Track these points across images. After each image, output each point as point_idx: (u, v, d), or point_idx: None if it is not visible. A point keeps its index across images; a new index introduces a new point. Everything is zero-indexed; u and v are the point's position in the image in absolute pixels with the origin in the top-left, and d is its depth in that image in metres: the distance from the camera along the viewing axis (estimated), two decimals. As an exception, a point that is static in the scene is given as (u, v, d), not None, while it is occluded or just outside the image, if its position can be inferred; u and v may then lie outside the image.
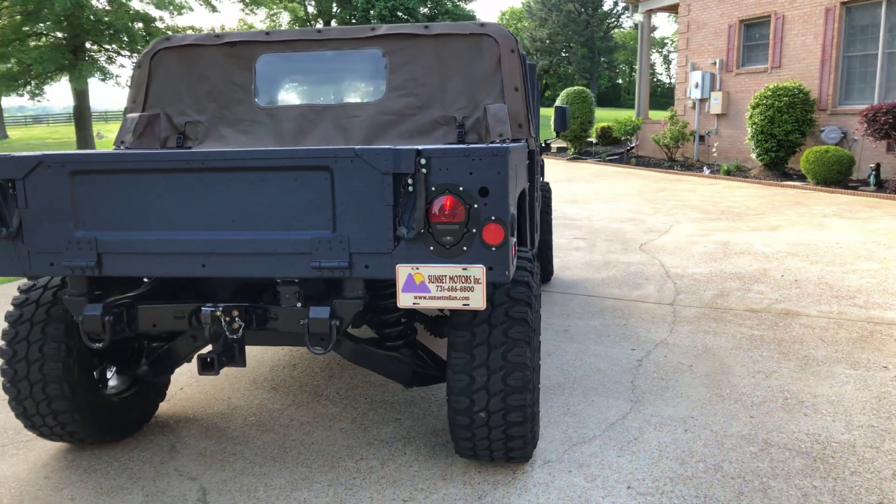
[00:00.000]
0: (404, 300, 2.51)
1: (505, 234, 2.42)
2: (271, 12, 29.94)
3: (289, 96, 3.88)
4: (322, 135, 3.74)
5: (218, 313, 2.69)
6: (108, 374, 3.50)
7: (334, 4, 53.22)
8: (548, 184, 6.40)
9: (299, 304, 2.66)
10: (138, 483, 3.11)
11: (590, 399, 3.90)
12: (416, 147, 2.41)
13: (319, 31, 3.80)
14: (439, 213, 2.42)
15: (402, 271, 2.48)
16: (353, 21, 50.03)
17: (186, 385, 4.27)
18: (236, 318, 2.74)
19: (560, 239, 8.73)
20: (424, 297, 2.50)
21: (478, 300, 2.48)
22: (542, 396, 3.94)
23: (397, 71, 3.73)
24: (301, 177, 2.47)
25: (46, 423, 3.18)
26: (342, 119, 3.74)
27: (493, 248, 2.44)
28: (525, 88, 3.71)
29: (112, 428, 3.42)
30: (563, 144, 21.86)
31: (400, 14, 49.47)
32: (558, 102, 21.06)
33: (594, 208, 11.25)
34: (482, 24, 3.71)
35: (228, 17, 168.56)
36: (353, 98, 3.81)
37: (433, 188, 2.42)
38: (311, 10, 55.68)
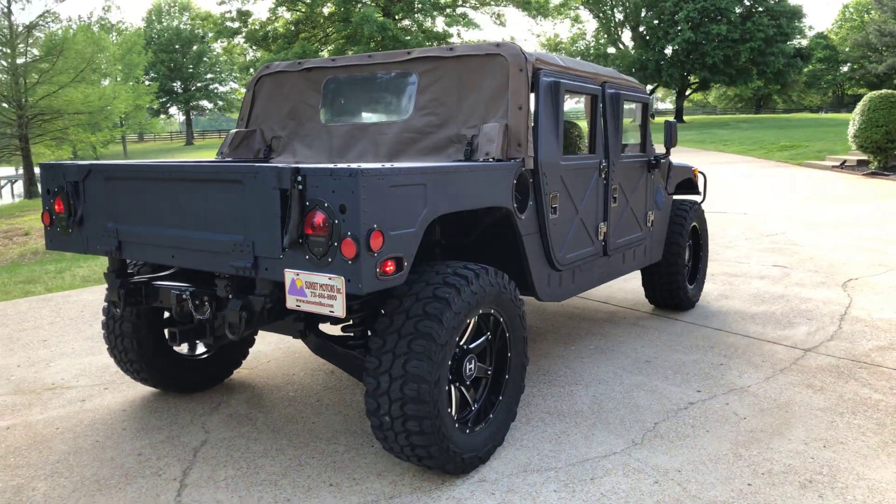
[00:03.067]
0: (289, 302, 2.82)
1: (358, 249, 2.59)
2: (557, 22, 30.55)
3: (343, 115, 4.35)
4: (360, 150, 4.15)
5: (184, 297, 3.29)
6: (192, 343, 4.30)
7: (643, 10, 52.27)
8: (690, 204, 5.91)
9: (230, 296, 3.12)
10: (173, 426, 3.88)
11: (591, 433, 3.70)
12: (296, 166, 2.71)
13: (370, 56, 4.21)
14: (312, 227, 2.68)
15: (288, 276, 2.80)
16: (659, 25, 48.64)
17: (273, 358, 5.02)
18: (206, 303, 3.31)
19: (754, 265, 7.87)
20: (303, 301, 2.78)
21: (339, 308, 2.69)
22: (544, 421, 3.84)
23: (424, 92, 3.97)
24: (224, 188, 2.93)
25: (125, 368, 4.12)
26: (376, 136, 4.10)
27: (349, 262, 2.62)
28: (531, 107, 3.68)
29: (182, 382, 4.27)
30: (864, 157, 18.86)
31: (712, 15, 46.77)
32: (857, 109, 18.26)
33: (828, 234, 9.76)
34: (497, 45, 3.76)
35: (516, 30, 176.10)
36: (388, 117, 4.13)
37: (307, 203, 2.70)
38: (618, 16, 55.44)
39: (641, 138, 5.10)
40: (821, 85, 66.86)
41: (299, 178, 2.68)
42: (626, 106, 4.86)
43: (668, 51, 49.11)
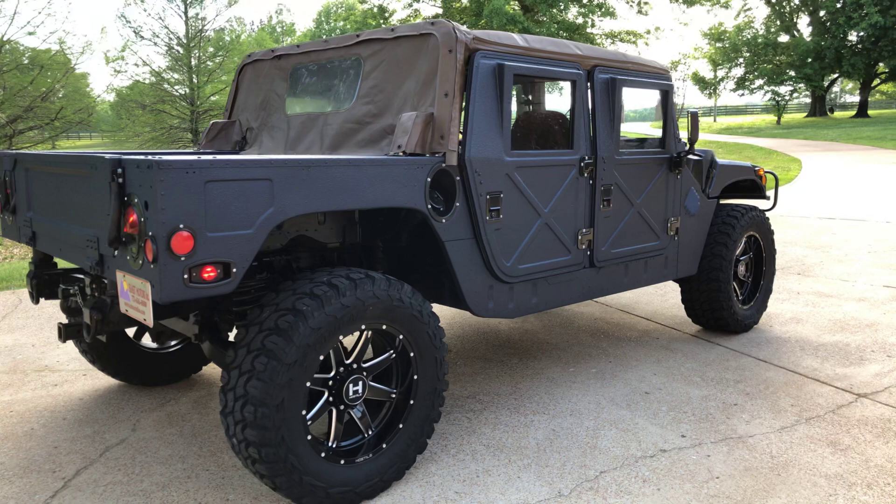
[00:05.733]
0: (122, 305, 2.59)
1: (155, 252, 2.30)
2: (710, 8, 28.29)
3: (301, 104, 4.06)
4: (308, 143, 3.84)
5: (71, 292, 3.18)
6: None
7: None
8: (744, 210, 5.02)
9: (95, 294, 2.96)
10: (107, 420, 3.83)
11: (517, 475, 3.16)
12: (118, 157, 2.47)
13: (326, 41, 3.89)
14: (130, 224, 2.43)
15: (119, 277, 2.57)
16: (842, 8, 43.66)
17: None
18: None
19: (860, 284, 6.65)
20: (128, 305, 2.54)
21: (148, 315, 2.42)
22: (475, 454, 3.34)
23: (367, 78, 3.58)
24: (81, 179, 2.76)
25: (87, 358, 4.13)
26: (323, 127, 3.77)
27: (151, 265, 2.34)
28: (464, 95, 3.18)
29: (145, 375, 4.22)
30: None
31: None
32: None
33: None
34: (432, 23, 3.29)
35: (660, 19, 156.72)
36: (334, 106, 3.78)
37: (125, 198, 2.45)
38: (795, 0, 50.52)
39: (662, 131, 4.35)
40: None
41: (119, 171, 2.44)
42: (637, 92, 4.17)
43: (852, 37, 43.96)
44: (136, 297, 2.47)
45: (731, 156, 23.71)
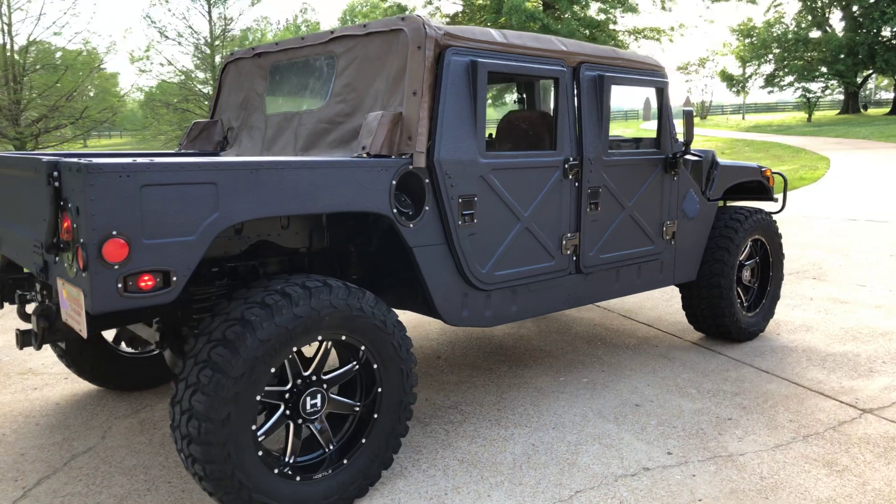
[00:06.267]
0: (62, 314, 2.49)
1: (86, 259, 2.18)
2: (740, 4, 27.67)
3: (278, 103, 3.93)
4: (282, 143, 3.71)
5: (27, 298, 3.09)
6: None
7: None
8: (749, 213, 4.79)
9: (46, 302, 2.86)
10: (79, 427, 3.75)
11: (487, 493, 3.00)
12: (55, 159, 2.36)
13: (303, 38, 3.76)
14: (63, 230, 2.33)
15: (59, 284, 2.47)
16: (876, 3, 42.50)
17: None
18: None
19: (877, 289, 6.36)
20: (67, 314, 2.44)
21: (83, 326, 2.31)
22: (447, 470, 3.18)
23: (340, 76, 3.44)
24: (27, 182, 2.66)
25: (63, 362, 4.06)
26: (297, 127, 3.64)
27: (84, 274, 2.22)
28: (434, 93, 3.02)
29: (123, 379, 4.14)
30: None
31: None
32: None
33: None
34: (402, 18, 3.14)
35: (685, 15, 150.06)
36: (309, 105, 3.65)
37: (61, 203, 2.34)
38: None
39: (657, 131, 4.15)
40: None
41: (55, 174, 2.33)
42: (629, 90, 3.98)
43: (886, 32, 42.79)
44: (72, 305, 2.36)
45: (757, 154, 23.19)
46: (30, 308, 3.30)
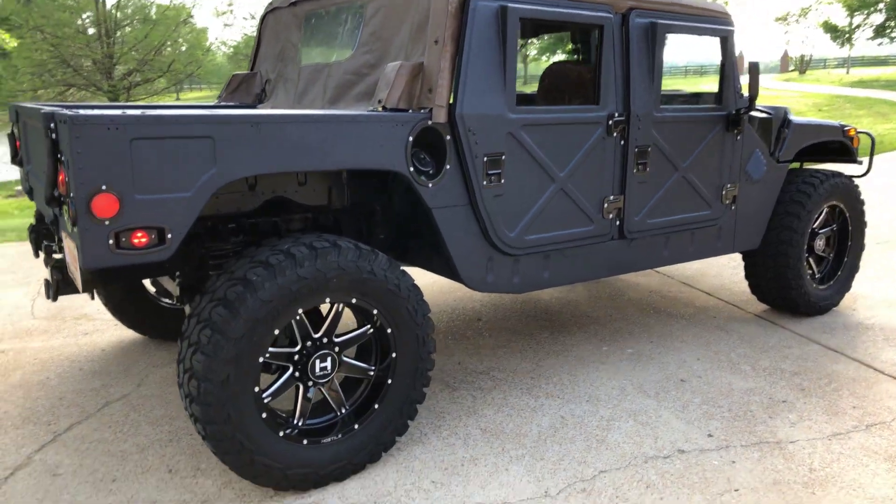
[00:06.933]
0: (68, 267, 2.47)
1: (75, 216, 2.12)
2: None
3: (311, 54, 3.78)
4: (312, 96, 3.56)
5: (53, 249, 3.10)
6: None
7: None
8: (826, 176, 4.34)
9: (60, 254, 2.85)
10: (118, 375, 3.83)
11: (505, 468, 2.85)
12: (53, 110, 2.30)
13: (335, -17, 3.57)
14: (61, 183, 2.28)
15: (64, 237, 2.44)
16: None
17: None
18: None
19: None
20: (70, 268, 2.41)
21: (78, 281, 2.27)
22: (467, 439, 3.06)
23: (367, 24, 3.24)
24: (42, 133, 2.63)
25: (113, 313, 4.14)
26: (326, 79, 3.48)
27: (75, 229, 2.17)
28: (458, 42, 2.78)
29: (163, 329, 4.21)
30: None
31: None
32: None
33: None
34: (429, -40, 2.90)
35: None
36: (337, 56, 3.47)
37: (58, 155, 2.28)
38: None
39: (719, 85, 3.77)
40: None
41: (52, 126, 2.28)
42: (687, 39, 3.61)
43: None
44: (72, 260, 2.34)
45: (859, 112, 21.48)
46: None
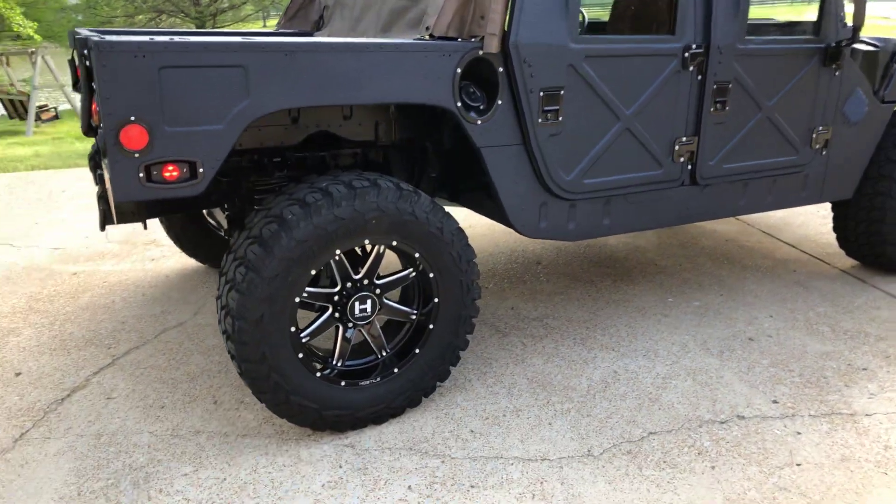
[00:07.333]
0: (110, 198, 2.45)
1: (103, 147, 2.07)
2: None
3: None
4: (367, 23, 3.37)
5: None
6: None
7: None
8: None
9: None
10: (177, 302, 3.91)
11: (548, 423, 2.74)
12: (87, 36, 2.23)
13: None
14: (95, 113, 2.23)
15: (103, 168, 2.42)
16: None
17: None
18: None
19: None
20: (110, 199, 2.39)
21: (112, 213, 2.24)
22: (513, 389, 2.96)
23: (423, -56, 3.01)
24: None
25: (175, 241, 4.21)
26: (381, 6, 3.28)
27: (105, 161, 2.12)
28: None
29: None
30: None
31: None
32: None
33: None
34: None
35: None
36: (394, -20, 3.24)
37: (93, 84, 2.23)
38: None
39: (818, 13, 3.34)
40: None
41: (85, 52, 2.22)
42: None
43: None
44: (110, 192, 2.31)
45: None
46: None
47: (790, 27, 3.43)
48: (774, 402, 2.88)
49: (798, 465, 2.49)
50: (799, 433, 2.67)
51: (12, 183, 6.90)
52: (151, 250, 4.79)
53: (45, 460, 2.53)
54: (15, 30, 17.66)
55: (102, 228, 2.84)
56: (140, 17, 27.24)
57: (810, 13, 3.43)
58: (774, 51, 3.20)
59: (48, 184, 6.81)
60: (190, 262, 4.48)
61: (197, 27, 24.82)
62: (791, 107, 3.34)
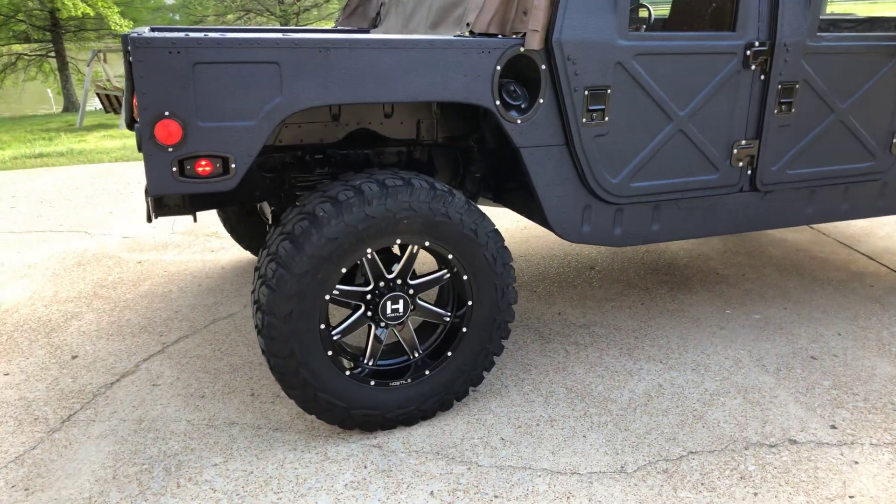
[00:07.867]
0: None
1: (139, 141, 2.11)
2: None
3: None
4: (418, 20, 3.33)
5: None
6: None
7: None
8: None
9: None
10: (230, 293, 4.00)
11: (582, 435, 2.64)
12: (131, 32, 2.28)
13: None
14: (135, 107, 2.28)
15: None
16: None
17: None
18: None
19: None
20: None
21: (150, 206, 2.29)
22: (550, 398, 2.87)
23: (474, -59, 2.94)
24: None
25: (230, 233, 4.32)
26: (432, 2, 3.24)
27: (143, 153, 2.17)
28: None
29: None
30: None
31: None
32: None
33: None
34: None
35: None
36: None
37: (133, 79, 2.28)
38: None
39: (903, 7, 3.08)
40: None
41: (128, 48, 2.27)
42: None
43: None
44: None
45: None
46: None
47: (870, 23, 3.18)
48: (832, 427, 2.68)
49: (851, 497, 2.30)
50: (856, 462, 2.47)
51: (96, 173, 7.26)
52: (212, 242, 4.92)
53: (88, 442, 2.62)
54: (112, 28, 18.69)
55: (148, 220, 2.92)
56: (230, 15, 28.28)
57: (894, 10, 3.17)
58: (851, 48, 2.97)
59: (127, 175, 7.14)
60: (246, 255, 4.58)
61: (281, 25, 25.50)
62: (868, 109, 3.10)
